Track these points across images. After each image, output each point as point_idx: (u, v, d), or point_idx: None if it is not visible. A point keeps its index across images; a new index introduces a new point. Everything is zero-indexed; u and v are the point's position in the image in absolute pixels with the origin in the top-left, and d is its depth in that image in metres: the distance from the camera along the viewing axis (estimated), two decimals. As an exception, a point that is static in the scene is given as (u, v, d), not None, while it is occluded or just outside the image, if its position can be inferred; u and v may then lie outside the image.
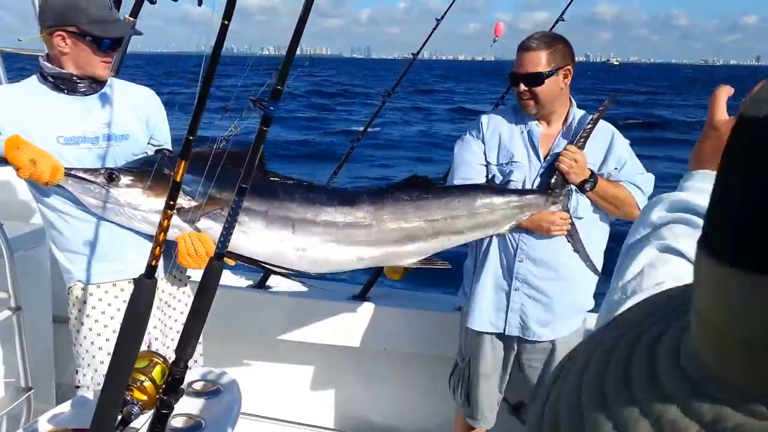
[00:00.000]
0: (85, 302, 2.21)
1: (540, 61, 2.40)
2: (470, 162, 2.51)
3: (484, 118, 2.58)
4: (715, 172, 0.35)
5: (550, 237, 2.43)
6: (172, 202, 1.58)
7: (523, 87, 2.42)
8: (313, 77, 49.11)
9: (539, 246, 2.45)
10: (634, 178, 2.52)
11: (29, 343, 2.44)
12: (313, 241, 2.26)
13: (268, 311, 3.15)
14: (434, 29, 3.65)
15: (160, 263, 1.66)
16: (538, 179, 2.49)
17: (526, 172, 2.49)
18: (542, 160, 2.50)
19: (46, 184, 1.99)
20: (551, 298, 2.45)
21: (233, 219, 1.63)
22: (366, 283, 3.10)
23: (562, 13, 3.50)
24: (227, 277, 3.00)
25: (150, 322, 1.69)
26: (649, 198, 2.36)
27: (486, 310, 2.48)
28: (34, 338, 2.54)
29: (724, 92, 0.98)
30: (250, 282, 3.22)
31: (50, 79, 2.11)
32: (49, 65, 2.10)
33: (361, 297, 3.09)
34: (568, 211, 2.43)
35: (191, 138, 1.56)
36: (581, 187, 2.40)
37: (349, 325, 3.05)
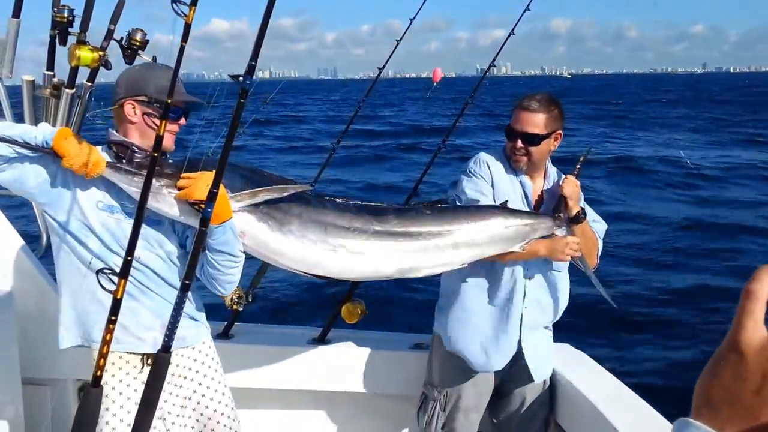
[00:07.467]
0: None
1: (539, 123, 2.52)
2: (487, 196, 2.55)
3: (488, 160, 2.61)
4: None
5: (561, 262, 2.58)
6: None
7: (520, 143, 2.53)
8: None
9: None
10: (592, 224, 2.69)
11: None
12: (346, 243, 2.24)
13: (230, 359, 3.11)
14: (394, 50, 3.75)
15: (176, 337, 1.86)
16: None
17: None
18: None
19: (87, 174, 2.02)
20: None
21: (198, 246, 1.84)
22: (325, 327, 3.12)
23: (512, 28, 3.48)
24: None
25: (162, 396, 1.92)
26: None
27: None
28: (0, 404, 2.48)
29: (766, 288, 0.56)
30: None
31: (113, 148, 2.17)
32: (115, 133, 2.20)
33: (321, 340, 3.08)
34: (574, 234, 2.55)
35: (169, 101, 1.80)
36: (577, 217, 2.56)
37: (311, 369, 3.04)
